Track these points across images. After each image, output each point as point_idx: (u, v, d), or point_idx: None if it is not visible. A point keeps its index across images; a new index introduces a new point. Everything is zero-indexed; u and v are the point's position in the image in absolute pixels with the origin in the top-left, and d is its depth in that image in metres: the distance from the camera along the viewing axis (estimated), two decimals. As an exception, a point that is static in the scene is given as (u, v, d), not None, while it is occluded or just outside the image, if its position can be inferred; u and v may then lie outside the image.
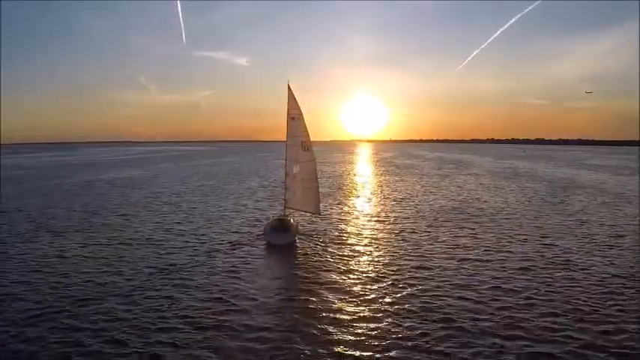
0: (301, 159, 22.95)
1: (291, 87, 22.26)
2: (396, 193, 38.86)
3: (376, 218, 26.65)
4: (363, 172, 67.80)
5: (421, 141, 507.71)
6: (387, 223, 25.17)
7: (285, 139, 22.88)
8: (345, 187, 43.64)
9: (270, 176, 56.30)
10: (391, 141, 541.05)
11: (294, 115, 22.93)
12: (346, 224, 24.92)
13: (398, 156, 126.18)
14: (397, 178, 53.52)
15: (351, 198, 35.81)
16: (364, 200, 34.50)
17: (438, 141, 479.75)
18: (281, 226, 21.53)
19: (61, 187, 44.21)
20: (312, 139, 23.48)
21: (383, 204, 32.38)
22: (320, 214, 24.01)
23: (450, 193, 38.78)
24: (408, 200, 34.02)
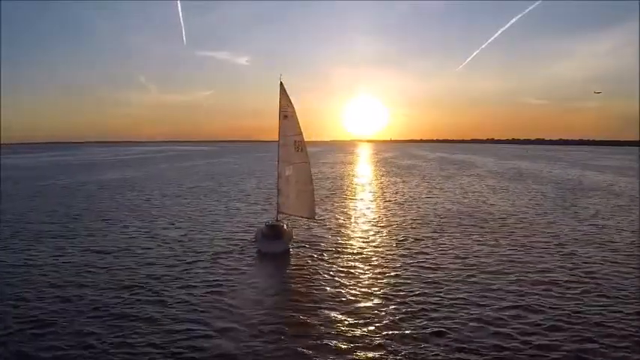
0: (295, 160, 21.29)
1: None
2: (398, 195, 37.12)
3: (377, 223, 24.90)
4: (363, 173, 66.12)
5: (421, 141, 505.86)
6: (389, 229, 23.42)
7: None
8: (344, 190, 41.91)
9: (267, 177, 54.58)
10: (391, 141, 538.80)
11: (287, 114, 21.32)
12: (345, 230, 23.18)
13: (399, 156, 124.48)
14: (399, 180, 51.80)
15: (351, 201, 34.05)
16: (364, 204, 32.74)
17: (438, 141, 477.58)
18: (273, 232, 19.84)
19: (52, 189, 42.44)
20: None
21: (384, 208, 30.62)
22: (315, 219, 22.35)
23: (455, 195, 37.03)
24: (411, 203, 32.27)
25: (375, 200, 34.24)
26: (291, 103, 21.27)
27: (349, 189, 42.24)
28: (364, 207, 30.98)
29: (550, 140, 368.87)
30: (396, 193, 38.66)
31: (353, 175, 59.47)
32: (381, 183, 48.14)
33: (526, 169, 70.11)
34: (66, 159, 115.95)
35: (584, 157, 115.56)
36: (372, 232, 22.50)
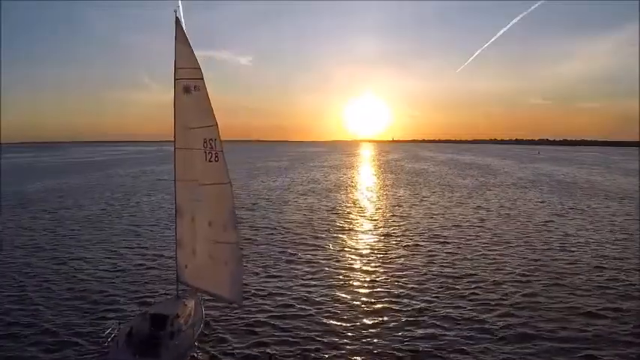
0: (205, 178, 10.27)
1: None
2: (419, 225, 24.91)
3: (385, 293, 13.67)
4: (366, 181, 53.58)
5: (424, 141, 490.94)
6: (408, 314, 12.12)
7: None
8: (333, 214, 30.00)
9: (236, 190, 43.26)
10: (394, 141, 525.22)
11: (190, 83, 10.25)
12: (317, 327, 11.86)
13: (404, 158, 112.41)
14: (413, 193, 39.30)
15: (340, 239, 22.29)
16: (364, 244, 20.84)
17: (441, 141, 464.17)
18: (146, 337, 9.54)
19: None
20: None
21: (397, 255, 19.05)
22: (241, 305, 11.24)
23: (508, 223, 25.00)
24: (440, 243, 20.52)
25: (381, 236, 22.12)
26: (197, 64, 10.30)
27: (342, 213, 30.13)
28: (364, 254, 19.18)
29: (555, 141, 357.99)
30: (415, 220, 26.48)
31: (351, 186, 46.91)
32: (389, 201, 35.51)
33: (561, 176, 58.23)
34: (36, 160, 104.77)
35: (608, 160, 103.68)
36: (375, 321, 11.26)
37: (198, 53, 10.47)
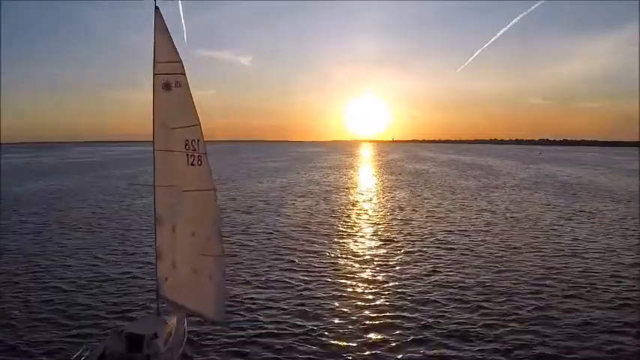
0: (186, 184, 9.26)
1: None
2: (421, 228, 24.22)
3: (387, 306, 12.63)
4: (366, 182, 52.73)
5: (424, 141, 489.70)
6: (412, 331, 11.10)
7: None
8: (332, 217, 29.12)
9: (225, 195, 42.24)
10: (394, 141, 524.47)
11: (170, 79, 9.21)
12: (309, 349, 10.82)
13: (405, 159, 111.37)
14: (415, 194, 38.50)
15: (339, 245, 21.35)
16: (364, 250, 20.00)
17: (441, 141, 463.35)
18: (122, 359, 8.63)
19: None
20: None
21: (399, 262, 18.13)
22: (226, 324, 10.21)
23: (518, 226, 24.12)
24: (445, 248, 19.76)
25: (382, 244, 21.05)
26: (178, 57, 9.28)
27: (341, 216, 29.26)
28: (362, 262, 18.21)
29: (555, 141, 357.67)
30: (417, 224, 25.55)
31: (351, 187, 46.00)
32: (390, 203, 34.66)
33: (565, 177, 57.24)
34: (35, 160, 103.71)
35: (605, 160, 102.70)
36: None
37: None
